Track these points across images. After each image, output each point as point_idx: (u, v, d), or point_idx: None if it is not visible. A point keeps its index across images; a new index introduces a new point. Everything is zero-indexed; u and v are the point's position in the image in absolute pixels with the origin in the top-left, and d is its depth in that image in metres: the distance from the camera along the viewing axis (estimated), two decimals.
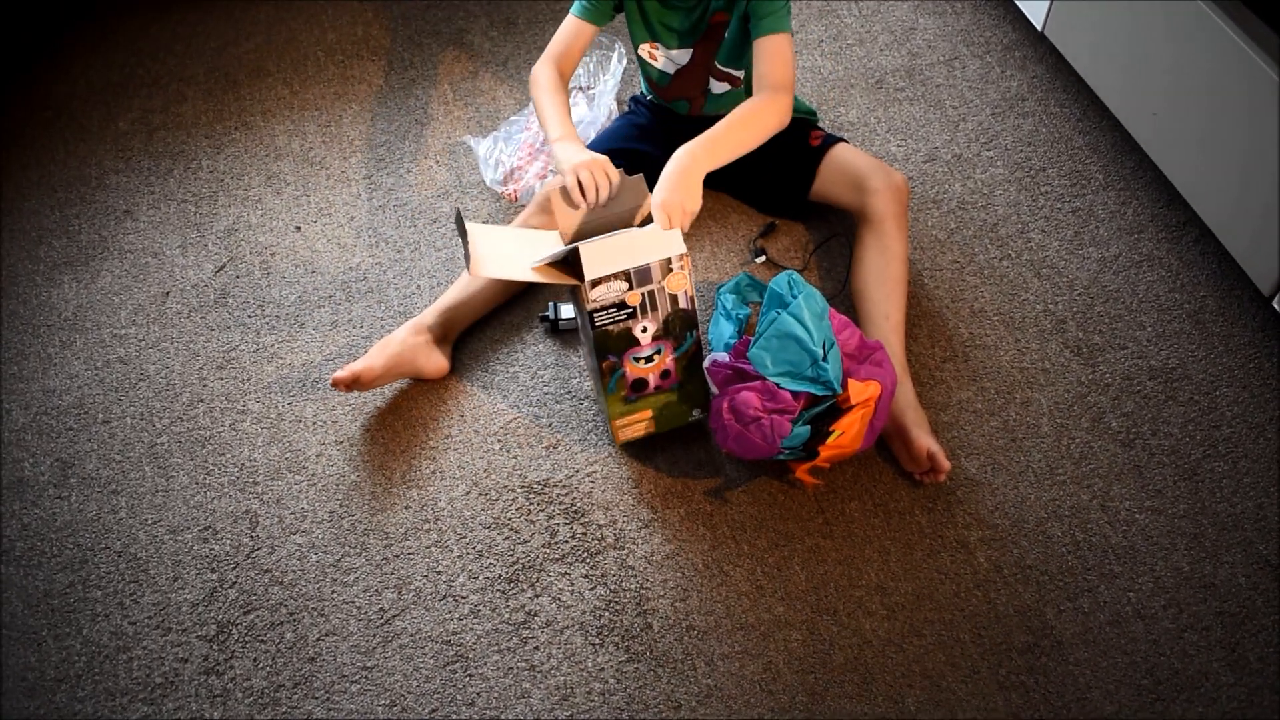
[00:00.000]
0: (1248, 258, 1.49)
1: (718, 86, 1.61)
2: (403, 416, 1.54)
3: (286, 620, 1.35)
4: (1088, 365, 1.51)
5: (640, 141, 1.68)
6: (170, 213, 1.86)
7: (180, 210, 1.86)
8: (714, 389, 1.37)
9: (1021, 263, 1.64)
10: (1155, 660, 1.24)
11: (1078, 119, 1.83)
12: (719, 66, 1.58)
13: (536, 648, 1.30)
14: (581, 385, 1.55)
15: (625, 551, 1.38)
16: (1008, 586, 1.31)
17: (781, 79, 1.45)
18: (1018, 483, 1.40)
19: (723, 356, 1.37)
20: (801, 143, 1.64)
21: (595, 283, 1.27)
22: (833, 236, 1.68)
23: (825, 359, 1.29)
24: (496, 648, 1.31)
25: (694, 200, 1.37)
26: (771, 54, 1.46)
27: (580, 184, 1.38)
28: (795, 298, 1.32)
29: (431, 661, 1.30)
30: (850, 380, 1.30)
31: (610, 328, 1.31)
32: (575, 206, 1.39)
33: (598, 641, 1.30)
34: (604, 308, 1.30)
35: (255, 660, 1.32)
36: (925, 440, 1.36)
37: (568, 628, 1.32)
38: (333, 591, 1.37)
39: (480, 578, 1.37)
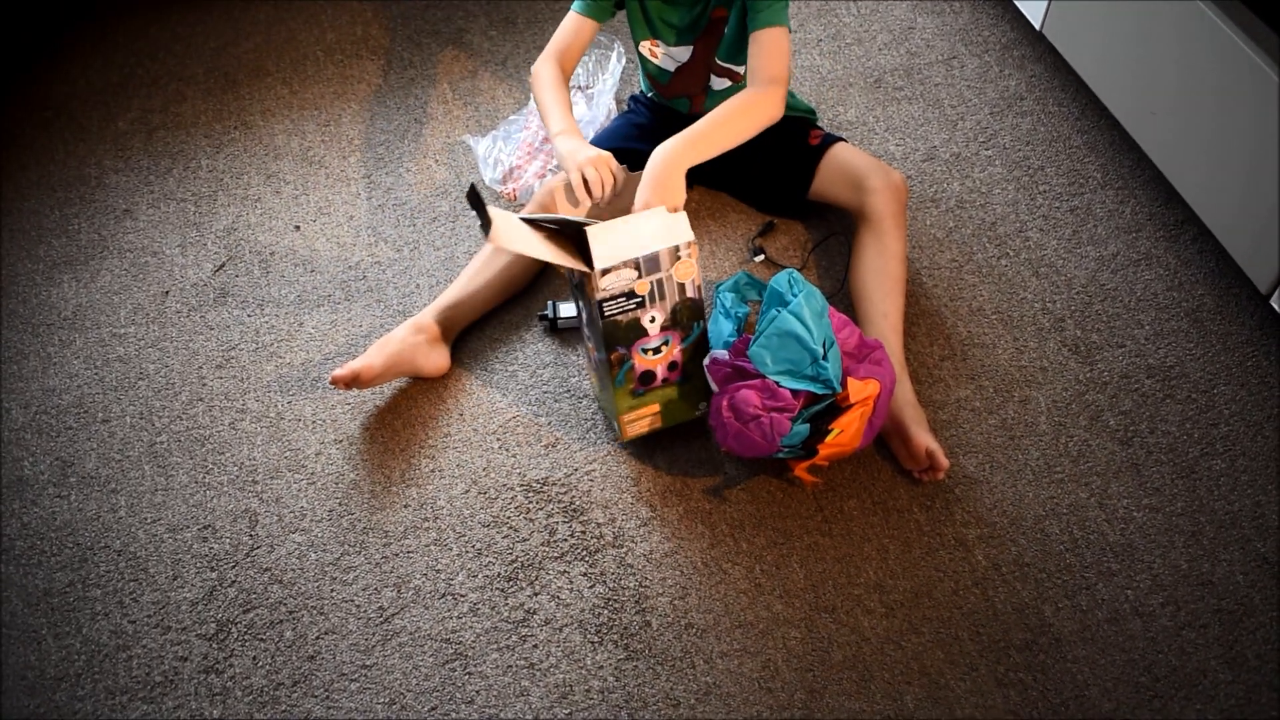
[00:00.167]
0: (1245, 256, 1.49)
1: (718, 83, 1.61)
2: (402, 415, 1.54)
3: (286, 619, 1.36)
4: (1086, 363, 1.51)
5: (640, 140, 1.68)
6: (170, 212, 1.86)
7: (180, 209, 1.86)
8: (714, 387, 1.37)
9: (1020, 261, 1.64)
10: (1153, 658, 1.25)
11: (1076, 118, 1.83)
12: (719, 62, 1.58)
13: (535, 646, 1.31)
14: (580, 384, 1.55)
15: (624, 549, 1.38)
16: (1006, 584, 1.32)
17: (774, 72, 1.45)
18: (1016, 480, 1.40)
19: (722, 354, 1.37)
20: (800, 142, 1.64)
21: (605, 272, 1.27)
22: (831, 235, 1.69)
23: (825, 357, 1.29)
24: (495, 646, 1.31)
25: (676, 197, 1.38)
26: (766, 47, 1.45)
27: (585, 180, 1.39)
28: (795, 296, 1.32)
29: (431, 659, 1.31)
30: (849, 379, 1.30)
31: (619, 317, 1.31)
32: (578, 203, 1.39)
33: (597, 639, 1.31)
34: (612, 296, 1.29)
35: (255, 659, 1.32)
36: (924, 438, 1.37)
37: (567, 626, 1.32)
38: (332, 590, 1.37)
39: (479, 576, 1.37)
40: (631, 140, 1.69)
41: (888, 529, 1.37)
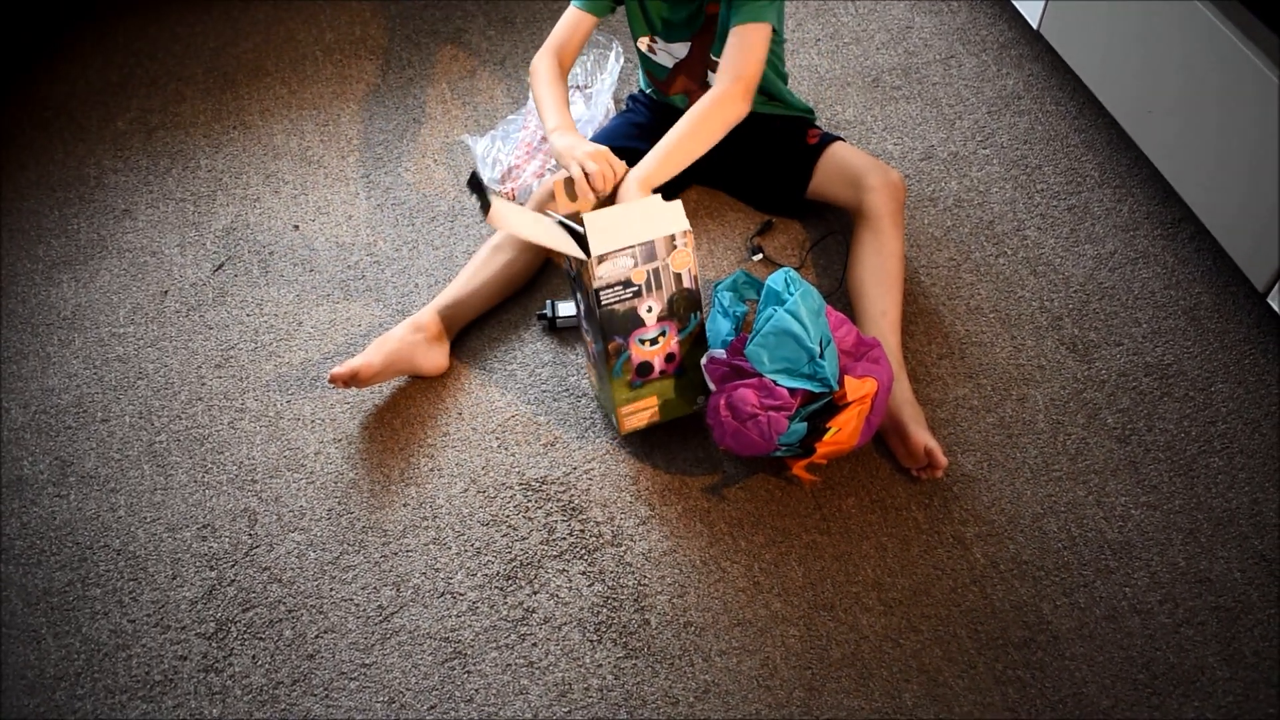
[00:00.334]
0: (1243, 254, 1.49)
1: (713, 78, 1.62)
2: (401, 414, 1.54)
3: (285, 618, 1.36)
4: (1084, 362, 1.51)
5: (639, 139, 1.68)
6: (169, 212, 1.86)
7: (179, 209, 1.87)
8: (711, 385, 1.38)
9: (1017, 260, 1.64)
10: (1151, 655, 1.25)
11: (1074, 117, 1.84)
12: (713, 59, 1.59)
13: (534, 644, 1.31)
14: (579, 383, 1.55)
15: (623, 548, 1.38)
16: (1004, 582, 1.32)
17: (742, 69, 1.44)
18: (1014, 479, 1.41)
19: (720, 353, 1.38)
20: (799, 141, 1.64)
21: (601, 259, 1.28)
22: (829, 234, 1.69)
23: (822, 356, 1.30)
24: (495, 644, 1.31)
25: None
26: (740, 43, 1.45)
27: (587, 174, 1.39)
28: (792, 295, 1.33)
29: (430, 658, 1.31)
30: (847, 377, 1.31)
31: (616, 306, 1.31)
32: (577, 198, 1.40)
33: (595, 638, 1.31)
34: (609, 285, 1.30)
35: (254, 658, 1.33)
36: (922, 436, 1.37)
37: (566, 624, 1.32)
38: (331, 589, 1.38)
39: (478, 575, 1.37)
40: (631, 139, 1.69)
41: (886, 527, 1.37)
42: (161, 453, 1.53)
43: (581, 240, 1.30)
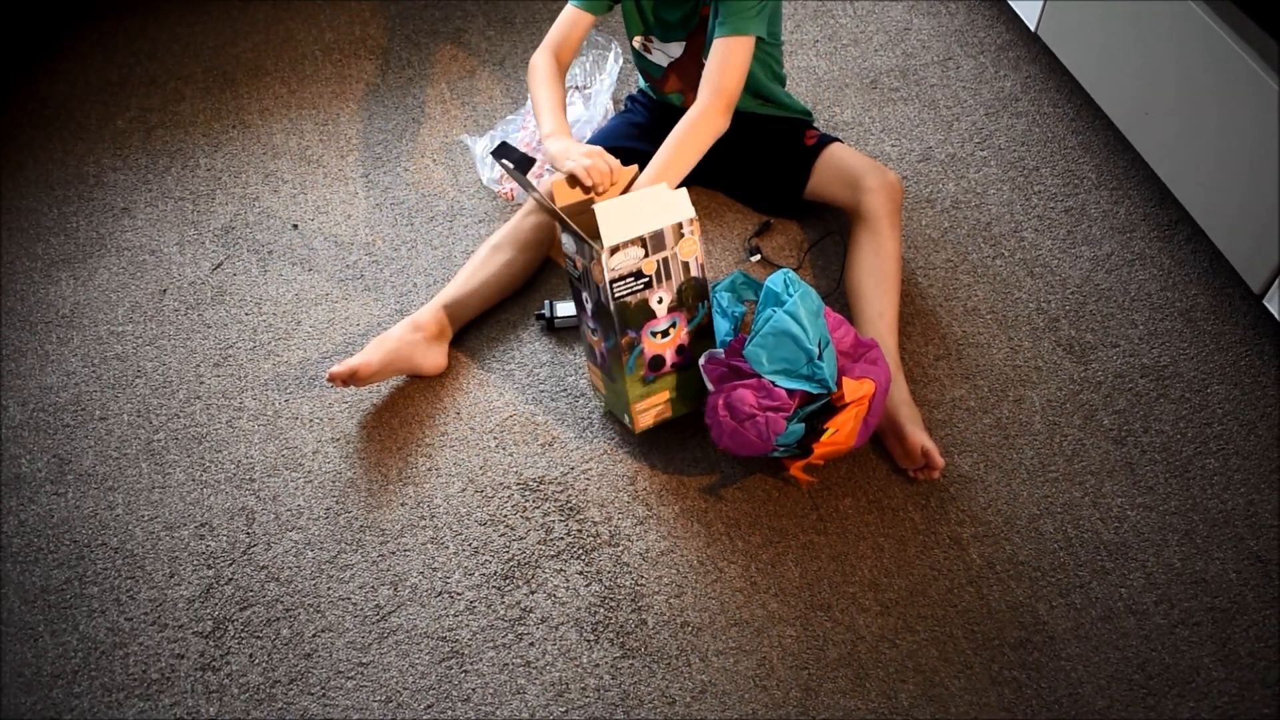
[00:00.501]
0: (1239, 256, 1.50)
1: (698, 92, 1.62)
2: (399, 414, 1.54)
3: (282, 616, 1.36)
4: (1080, 363, 1.52)
5: (638, 139, 1.69)
6: (168, 210, 1.86)
7: (178, 208, 1.87)
8: (709, 386, 1.38)
9: (1014, 261, 1.65)
10: (1147, 655, 1.25)
11: (1071, 119, 1.84)
12: (704, 62, 1.59)
13: (532, 644, 1.31)
14: (578, 383, 1.56)
15: (620, 548, 1.38)
16: (1000, 582, 1.32)
17: (722, 83, 1.46)
18: (1010, 479, 1.41)
19: (718, 353, 1.38)
20: (796, 142, 1.65)
21: (614, 250, 1.28)
22: (827, 235, 1.69)
23: (820, 357, 1.30)
24: (492, 644, 1.31)
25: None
26: (721, 56, 1.46)
27: (590, 173, 1.40)
28: (791, 296, 1.33)
29: (427, 658, 1.31)
30: (845, 378, 1.31)
31: (629, 299, 1.32)
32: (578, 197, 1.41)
33: (593, 637, 1.31)
34: (622, 277, 1.30)
35: (251, 656, 1.33)
36: (919, 437, 1.37)
37: (563, 624, 1.32)
38: (329, 588, 1.38)
39: (476, 574, 1.37)
40: (630, 139, 1.69)
41: (883, 527, 1.38)
42: (159, 451, 1.54)
43: (592, 232, 1.31)
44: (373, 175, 1.88)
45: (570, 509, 1.42)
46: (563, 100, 1.54)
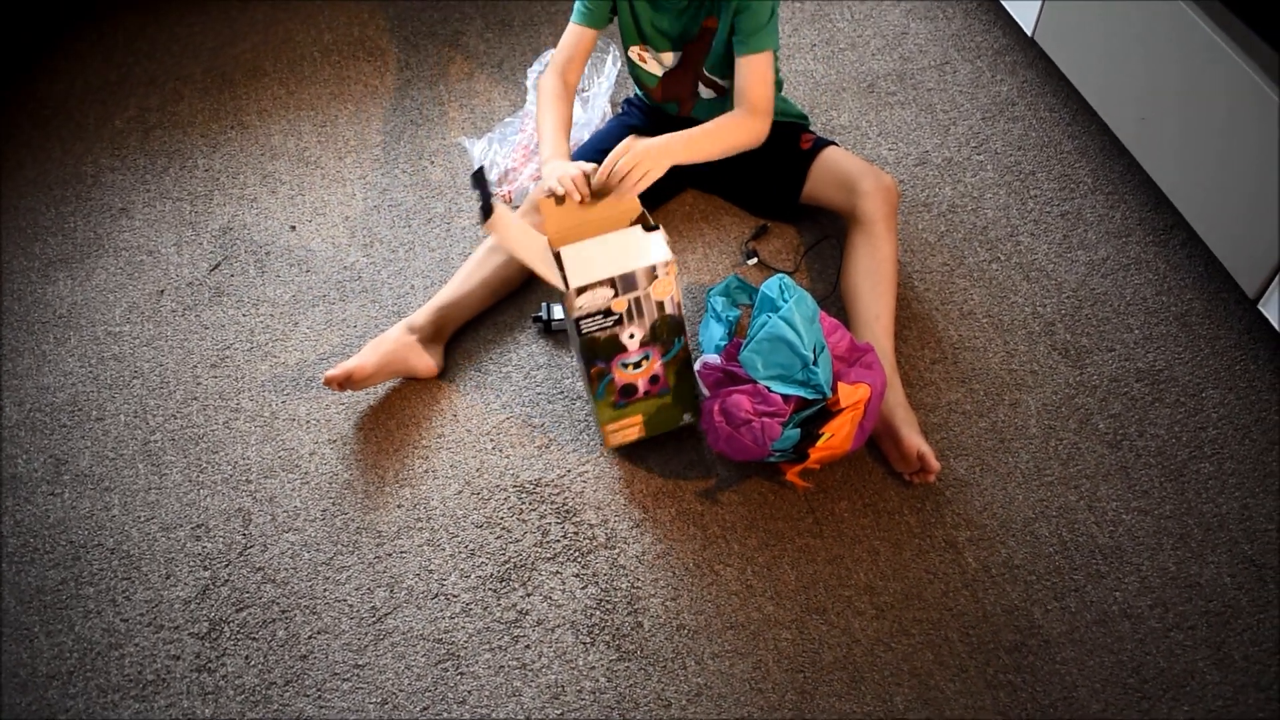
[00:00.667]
0: (1233, 261, 1.50)
1: (705, 92, 1.63)
2: (396, 415, 1.54)
3: (278, 618, 1.36)
4: (1076, 367, 1.52)
5: None
6: (166, 211, 1.87)
7: (176, 208, 1.87)
8: (705, 391, 1.38)
9: (1010, 265, 1.65)
10: (1142, 659, 1.26)
11: (1067, 124, 1.85)
12: (706, 74, 1.60)
13: (528, 646, 1.31)
14: (574, 385, 1.56)
15: (616, 551, 1.38)
16: (995, 586, 1.32)
17: (758, 100, 1.51)
18: (1006, 483, 1.41)
19: (714, 359, 1.38)
20: (793, 146, 1.65)
21: (580, 290, 1.28)
22: (824, 239, 1.70)
23: (816, 363, 1.30)
24: (488, 646, 1.32)
25: (654, 172, 1.41)
26: (751, 73, 1.51)
27: (561, 182, 1.40)
28: (786, 302, 1.33)
29: (423, 660, 1.31)
30: (840, 383, 1.31)
31: (597, 334, 1.32)
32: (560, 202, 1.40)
33: (589, 640, 1.31)
34: (589, 314, 1.30)
35: (247, 658, 1.33)
36: (915, 440, 1.37)
37: (559, 626, 1.32)
38: (325, 590, 1.38)
39: (472, 576, 1.38)
40: None
41: (878, 531, 1.38)
42: (156, 452, 1.54)
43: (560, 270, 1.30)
44: (370, 177, 1.88)
45: (566, 511, 1.42)
46: (566, 122, 1.55)
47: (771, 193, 1.69)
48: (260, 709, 1.28)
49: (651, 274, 1.30)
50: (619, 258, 1.30)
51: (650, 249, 1.31)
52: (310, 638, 1.34)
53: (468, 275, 1.60)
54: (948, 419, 1.48)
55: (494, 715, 1.26)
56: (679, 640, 1.30)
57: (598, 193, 1.41)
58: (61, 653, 1.35)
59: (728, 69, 1.57)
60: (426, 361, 1.55)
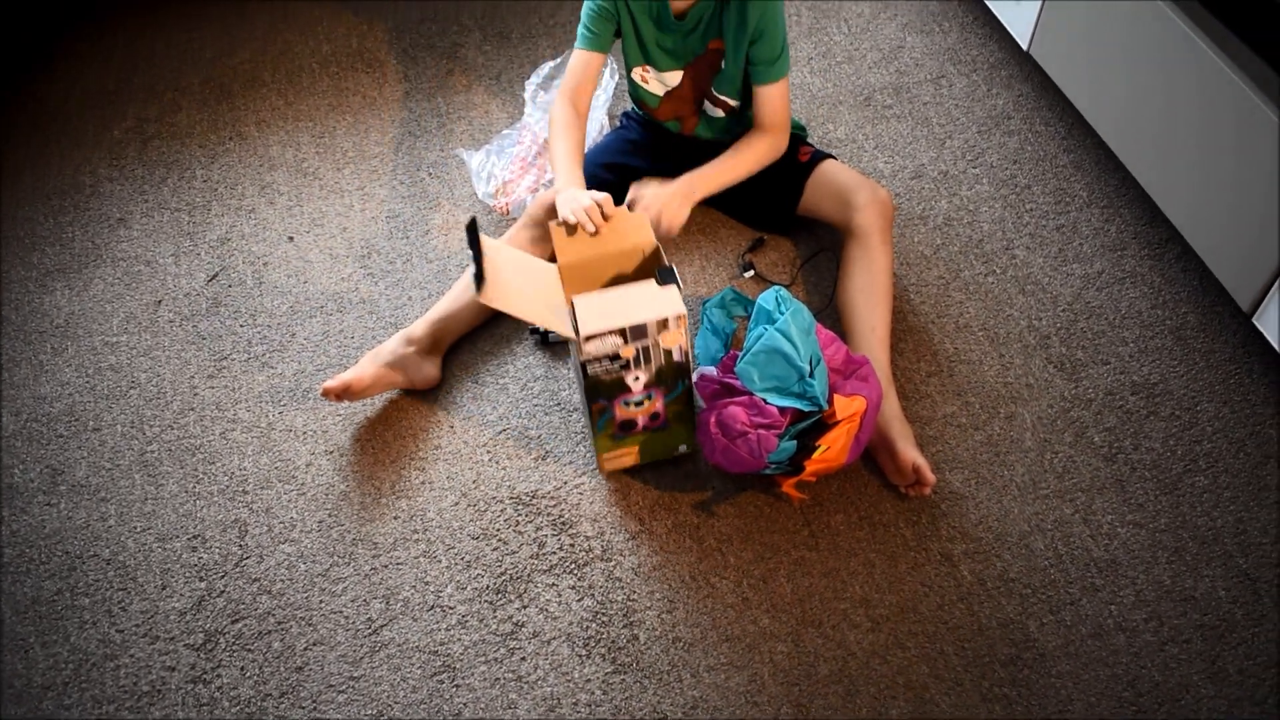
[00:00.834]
0: (1228, 275, 1.51)
1: (713, 110, 1.64)
2: (392, 427, 1.55)
3: (274, 629, 1.36)
4: (1071, 380, 1.53)
5: (632, 156, 1.70)
6: (164, 221, 1.87)
7: (174, 219, 1.87)
8: (701, 403, 1.38)
9: (1006, 278, 1.66)
10: (1137, 672, 1.26)
11: (1062, 137, 1.86)
12: (715, 93, 1.61)
13: (524, 659, 1.31)
14: (570, 397, 1.56)
15: (613, 563, 1.38)
16: (991, 599, 1.33)
17: (777, 122, 1.58)
18: (1001, 496, 1.42)
19: (710, 371, 1.39)
20: (790, 158, 1.65)
21: (589, 338, 1.27)
22: (820, 251, 1.70)
23: (812, 375, 1.31)
24: (484, 658, 1.31)
25: (677, 219, 1.48)
26: (769, 102, 1.57)
27: (574, 214, 1.40)
28: (782, 314, 1.34)
29: (419, 672, 1.31)
30: (836, 395, 1.32)
31: (603, 376, 1.32)
32: (573, 232, 1.41)
33: (585, 653, 1.31)
34: (596, 359, 1.30)
35: (243, 669, 1.33)
36: (910, 453, 1.38)
37: (555, 639, 1.32)
38: (321, 601, 1.38)
39: (468, 588, 1.38)
40: (625, 155, 1.70)
41: (874, 544, 1.38)
42: (153, 462, 1.54)
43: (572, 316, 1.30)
44: (368, 188, 1.89)
45: (563, 524, 1.43)
46: (579, 150, 1.55)
47: (768, 205, 1.69)
48: None
49: (662, 325, 1.29)
50: (631, 309, 1.29)
51: (663, 302, 1.30)
52: (306, 649, 1.34)
53: (465, 287, 1.60)
54: (943, 432, 1.48)
55: None
56: (675, 653, 1.30)
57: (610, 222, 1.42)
58: (57, 663, 1.35)
59: (738, 90, 1.59)
60: (424, 373, 1.55)
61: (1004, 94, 1.94)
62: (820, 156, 1.65)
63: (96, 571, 1.43)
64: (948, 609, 1.32)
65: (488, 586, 1.37)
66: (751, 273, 1.68)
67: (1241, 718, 1.22)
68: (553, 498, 1.45)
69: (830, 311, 1.61)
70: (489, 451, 1.51)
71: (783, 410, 1.31)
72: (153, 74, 2.15)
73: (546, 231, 1.59)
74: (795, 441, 1.31)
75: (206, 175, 1.94)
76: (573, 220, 1.40)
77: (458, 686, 1.29)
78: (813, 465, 1.31)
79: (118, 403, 1.61)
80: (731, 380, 1.34)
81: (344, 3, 2.27)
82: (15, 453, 1.56)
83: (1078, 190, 1.77)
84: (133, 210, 1.89)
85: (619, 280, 1.42)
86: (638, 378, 1.33)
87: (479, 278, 1.29)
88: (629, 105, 1.80)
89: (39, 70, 2.18)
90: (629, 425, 1.38)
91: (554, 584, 1.37)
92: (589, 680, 1.29)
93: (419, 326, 1.56)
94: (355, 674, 1.31)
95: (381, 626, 1.35)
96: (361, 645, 1.34)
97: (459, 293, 1.60)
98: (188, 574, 1.42)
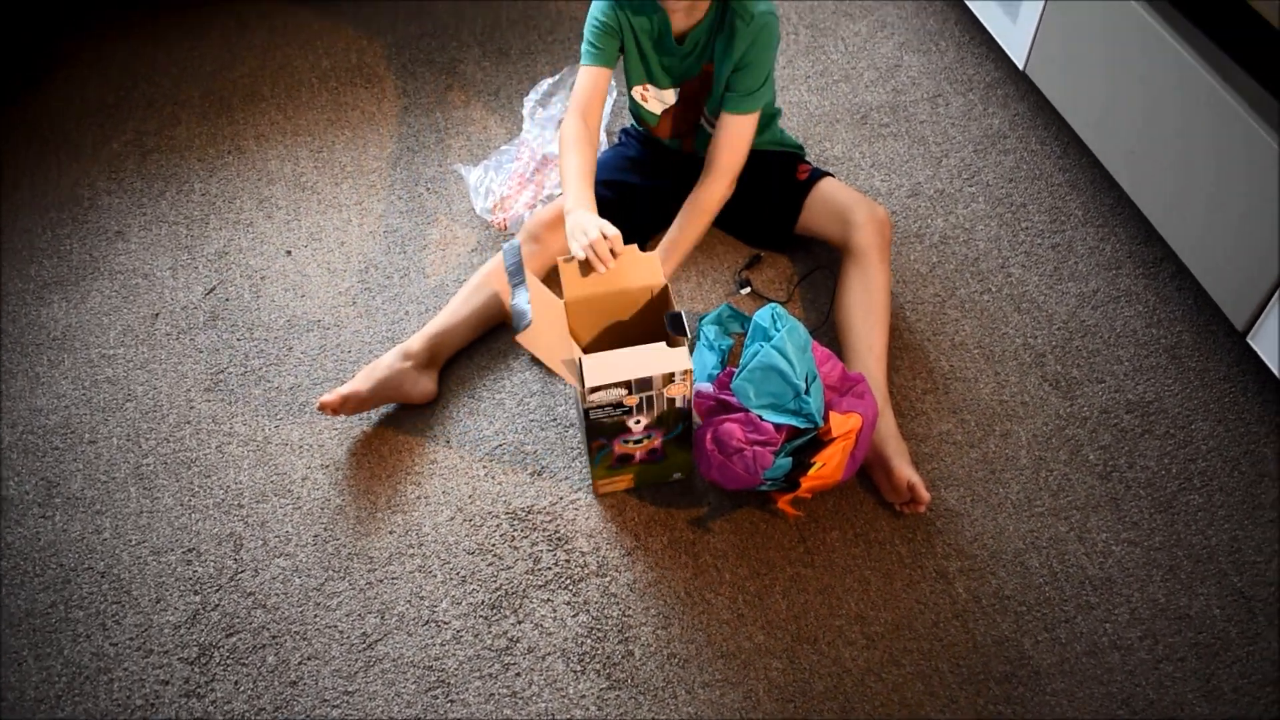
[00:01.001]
0: (1223, 294, 1.52)
1: (708, 128, 1.64)
2: (389, 441, 1.55)
3: (269, 644, 1.35)
4: (1066, 398, 1.53)
5: (632, 173, 1.71)
6: (162, 234, 1.87)
7: (172, 232, 1.87)
8: (697, 420, 1.39)
9: (1002, 297, 1.66)
10: (1131, 690, 1.26)
11: (1058, 156, 1.87)
12: (707, 115, 1.62)
13: (518, 674, 1.31)
14: (567, 413, 1.56)
15: (608, 579, 1.38)
16: (986, 617, 1.33)
17: (729, 166, 1.56)
18: (996, 514, 1.42)
19: (706, 387, 1.39)
20: (789, 176, 1.67)
21: (594, 389, 1.27)
22: (816, 269, 1.71)
23: (807, 392, 1.31)
24: (478, 674, 1.31)
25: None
26: (730, 133, 1.55)
27: (584, 251, 1.39)
28: (779, 331, 1.34)
29: (413, 687, 1.31)
30: (832, 412, 1.32)
31: (604, 420, 1.32)
32: (585, 274, 1.39)
33: (579, 668, 1.31)
34: (600, 406, 1.29)
35: (236, 683, 1.32)
36: (906, 471, 1.38)
37: (550, 654, 1.32)
38: (315, 615, 1.38)
39: (463, 603, 1.37)
40: (624, 172, 1.71)
41: (869, 561, 1.38)
42: (148, 475, 1.53)
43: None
44: (366, 203, 1.89)
45: (558, 539, 1.42)
46: (589, 168, 1.50)
47: (767, 223, 1.70)
48: None
49: (668, 378, 1.29)
50: (639, 365, 1.28)
51: (672, 359, 1.29)
52: (300, 664, 1.33)
53: (462, 302, 1.61)
54: (939, 449, 1.48)
55: None
56: (670, 669, 1.30)
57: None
58: (50, 676, 1.34)
59: None
60: (421, 388, 1.55)
61: (1000, 113, 1.95)
62: (818, 175, 1.66)
63: (91, 584, 1.42)
64: (943, 626, 1.32)
65: (483, 602, 1.37)
66: (748, 290, 1.69)
67: None
68: (548, 513, 1.45)
69: (827, 329, 1.61)
70: (485, 466, 1.51)
71: (778, 427, 1.31)
72: (152, 87, 2.16)
73: (543, 248, 1.60)
74: (791, 458, 1.32)
75: (205, 189, 1.94)
76: (583, 257, 1.38)
77: (452, 702, 1.29)
78: (808, 482, 1.32)
79: (114, 415, 1.61)
80: (727, 397, 1.34)
81: (343, 18, 2.28)
82: (11, 465, 1.56)
83: (1073, 209, 1.78)
84: (131, 223, 1.90)
85: (625, 317, 1.43)
86: (639, 421, 1.33)
87: (520, 316, 1.26)
88: (628, 122, 1.80)
89: (38, 82, 2.19)
90: (626, 459, 1.39)
91: (549, 599, 1.37)
92: (584, 696, 1.29)
93: (416, 341, 1.57)
94: (350, 689, 1.31)
95: (376, 641, 1.35)
96: (356, 660, 1.33)
97: (456, 308, 1.60)
98: (182, 587, 1.41)
